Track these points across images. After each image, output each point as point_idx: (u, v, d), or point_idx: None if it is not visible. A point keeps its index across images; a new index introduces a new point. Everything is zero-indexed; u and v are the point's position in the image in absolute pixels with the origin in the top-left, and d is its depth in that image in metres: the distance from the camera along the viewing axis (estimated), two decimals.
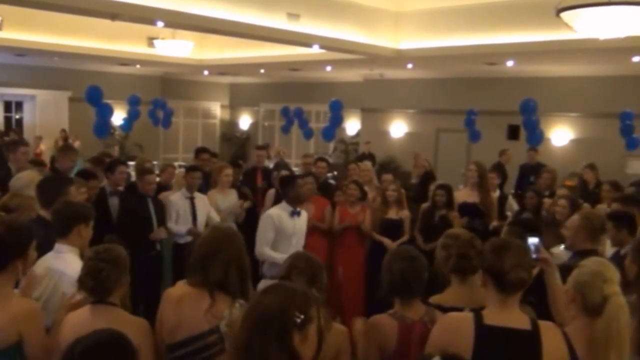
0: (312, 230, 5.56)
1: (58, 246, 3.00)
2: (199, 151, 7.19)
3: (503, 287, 2.11)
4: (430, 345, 2.18)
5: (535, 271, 2.51)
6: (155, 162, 11.33)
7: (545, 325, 2.14)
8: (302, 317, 1.57)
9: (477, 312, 2.15)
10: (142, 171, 5.46)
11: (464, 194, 5.87)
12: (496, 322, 2.09)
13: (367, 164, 7.21)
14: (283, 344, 1.53)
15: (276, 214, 4.67)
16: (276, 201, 5.82)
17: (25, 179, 4.17)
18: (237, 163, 7.23)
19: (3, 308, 2.36)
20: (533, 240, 2.69)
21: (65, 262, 2.86)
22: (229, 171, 6.08)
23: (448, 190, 5.70)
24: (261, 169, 7.29)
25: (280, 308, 1.56)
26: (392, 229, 5.65)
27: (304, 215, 4.85)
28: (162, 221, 5.29)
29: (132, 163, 9.03)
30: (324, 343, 2.14)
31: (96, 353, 1.75)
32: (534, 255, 2.61)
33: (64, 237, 3.00)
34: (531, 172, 8.08)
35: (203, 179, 6.11)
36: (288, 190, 4.81)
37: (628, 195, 4.46)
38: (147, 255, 4.99)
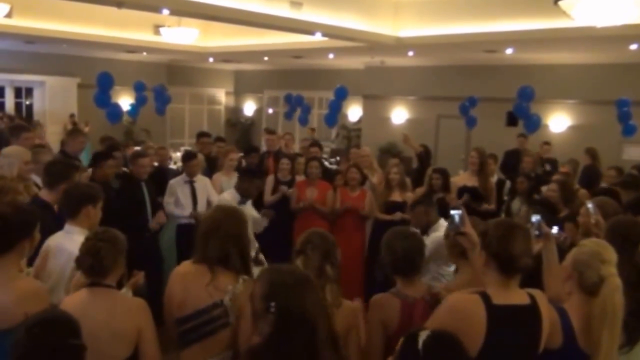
0: (313, 213, 5.82)
1: (67, 227, 3.06)
2: (200, 135, 7.27)
3: (508, 272, 2.15)
4: (435, 325, 2.12)
5: (538, 247, 2.61)
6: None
7: (537, 295, 2.22)
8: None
9: (483, 293, 2.16)
10: (135, 155, 5.38)
11: (464, 179, 6.03)
12: (502, 301, 2.12)
13: (366, 148, 7.27)
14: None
15: (228, 200, 4.86)
16: (275, 188, 6.06)
17: (13, 154, 4.11)
18: (254, 148, 7.15)
19: (10, 288, 2.37)
20: (536, 217, 2.68)
21: (74, 243, 2.86)
22: (234, 155, 6.15)
23: (444, 174, 5.80)
24: (273, 153, 7.22)
25: None
26: (396, 211, 5.67)
27: (248, 204, 5.04)
28: (155, 204, 5.26)
29: (138, 148, 9.26)
30: (334, 320, 2.24)
31: (39, 331, 1.77)
32: (536, 232, 2.63)
33: (73, 218, 3.05)
34: (514, 157, 8.22)
35: (207, 163, 6.26)
36: (241, 181, 5.00)
37: (628, 181, 4.43)
38: (140, 239, 4.80)
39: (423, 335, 1.87)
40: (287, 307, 1.64)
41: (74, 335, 1.80)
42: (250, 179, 4.97)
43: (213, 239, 2.49)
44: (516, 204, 6.11)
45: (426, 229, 4.12)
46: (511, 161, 8.29)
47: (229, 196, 4.95)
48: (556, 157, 8.99)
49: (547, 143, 9.31)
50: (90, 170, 5.24)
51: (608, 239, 2.65)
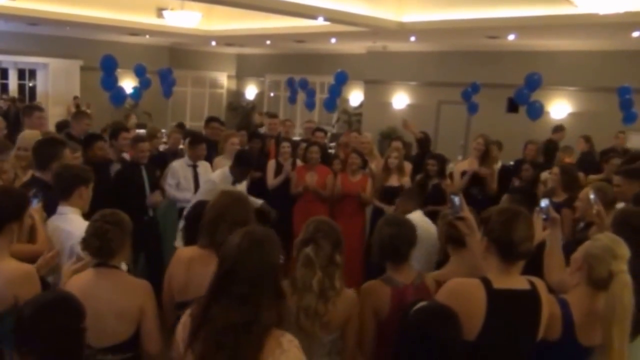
0: (313, 197, 5.78)
1: (61, 208, 3.06)
2: (210, 120, 7.10)
3: (510, 258, 2.17)
4: None
5: (545, 233, 2.64)
6: (163, 130, 11.64)
7: (537, 282, 2.24)
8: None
9: (484, 278, 2.17)
10: (136, 139, 5.35)
11: (466, 164, 6.07)
12: (503, 285, 2.15)
13: (367, 135, 7.25)
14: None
15: (218, 180, 4.88)
16: (277, 172, 5.99)
17: (30, 138, 4.08)
18: (257, 134, 6.99)
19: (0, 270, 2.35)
20: (545, 202, 2.69)
21: (70, 223, 2.92)
22: (235, 140, 6.02)
23: (440, 160, 5.83)
24: (275, 137, 7.07)
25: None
26: (393, 195, 5.54)
27: (243, 185, 5.04)
28: (154, 188, 5.24)
29: (141, 130, 9.33)
30: (335, 307, 2.32)
31: (44, 313, 1.78)
32: (543, 216, 2.64)
33: (66, 199, 3.05)
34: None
35: (208, 148, 6.21)
36: (235, 164, 4.95)
37: (631, 170, 4.34)
38: (140, 222, 4.72)
39: (416, 306, 1.96)
40: (234, 267, 1.76)
41: (80, 318, 1.84)
42: (244, 166, 4.96)
43: (221, 224, 2.48)
44: None
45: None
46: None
47: (218, 178, 4.94)
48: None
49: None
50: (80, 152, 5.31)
51: (616, 229, 2.65)
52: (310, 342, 2.32)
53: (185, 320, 1.87)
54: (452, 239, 2.83)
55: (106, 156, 5.19)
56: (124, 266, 2.73)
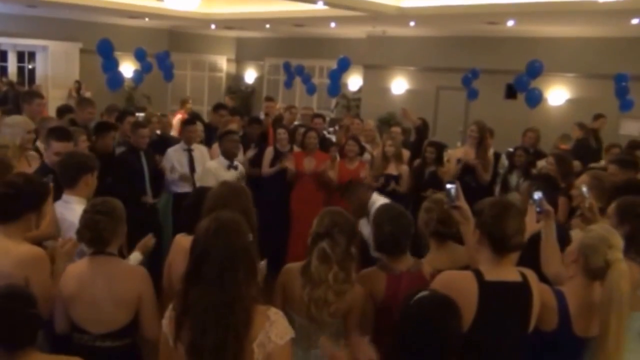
0: (310, 184, 5.75)
1: (66, 196, 3.09)
2: (217, 107, 7.07)
3: (502, 250, 2.19)
4: None
5: (539, 225, 2.67)
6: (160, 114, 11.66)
7: (529, 274, 2.26)
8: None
9: (476, 270, 2.21)
10: (136, 125, 5.37)
11: (461, 152, 6.08)
12: (494, 277, 2.17)
13: (370, 122, 7.27)
14: None
15: (214, 167, 4.93)
16: (275, 158, 5.96)
17: (17, 124, 4.08)
18: (256, 119, 6.98)
19: (11, 253, 2.44)
20: (538, 194, 2.69)
21: (74, 213, 2.90)
22: (234, 126, 6.10)
23: (438, 147, 5.88)
24: (272, 122, 7.02)
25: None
26: (390, 184, 5.63)
27: (241, 168, 5.07)
28: (154, 173, 5.27)
29: (141, 114, 9.35)
30: (343, 299, 2.39)
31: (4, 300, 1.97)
32: (538, 209, 2.66)
33: (72, 188, 3.09)
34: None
35: (209, 134, 6.15)
36: (220, 145, 5.03)
37: (625, 159, 4.35)
38: (140, 208, 4.91)
39: (418, 294, 1.98)
40: (205, 250, 1.84)
41: (30, 305, 2.00)
42: (222, 140, 4.98)
43: None
44: (514, 178, 6.22)
45: (365, 210, 4.15)
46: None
47: (214, 164, 4.99)
48: (554, 131, 9.05)
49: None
50: (93, 138, 5.33)
51: (620, 218, 2.65)
52: (317, 327, 2.42)
53: (169, 314, 1.92)
54: (438, 234, 2.86)
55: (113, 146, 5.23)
56: (139, 256, 2.79)
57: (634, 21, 8.87)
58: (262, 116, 7.35)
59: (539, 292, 2.24)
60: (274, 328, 1.81)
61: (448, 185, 2.61)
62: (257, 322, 1.80)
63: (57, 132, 3.75)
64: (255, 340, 1.78)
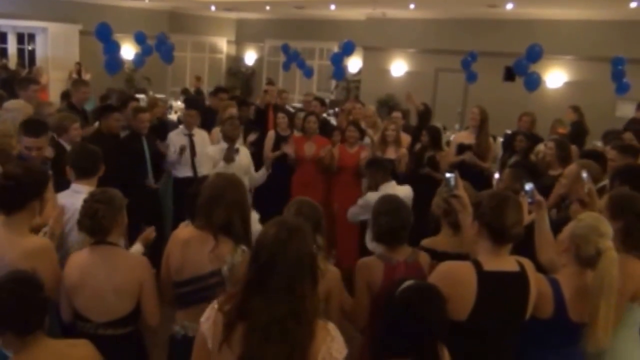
0: (310, 168, 5.77)
1: (75, 186, 3.11)
2: (218, 90, 7.05)
3: (500, 241, 2.24)
4: None
5: (531, 217, 2.72)
6: (163, 96, 11.73)
7: (526, 263, 2.33)
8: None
9: (475, 260, 2.26)
10: (136, 110, 5.39)
11: (462, 137, 6.18)
12: (493, 267, 2.23)
13: (371, 107, 7.27)
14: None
15: (216, 151, 4.94)
16: (276, 142, 5.99)
17: (16, 108, 4.12)
18: (245, 101, 6.89)
19: (18, 244, 2.47)
20: (530, 185, 2.73)
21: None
22: (233, 110, 6.08)
23: (435, 132, 5.95)
24: (272, 106, 7.04)
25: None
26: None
27: (244, 151, 5.09)
28: (155, 158, 5.30)
29: (141, 96, 9.40)
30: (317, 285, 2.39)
31: (4, 287, 1.98)
32: (529, 200, 2.70)
33: (89, 178, 3.11)
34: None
35: (209, 118, 6.15)
36: (222, 129, 5.07)
37: (625, 145, 4.35)
38: (140, 192, 4.91)
39: (403, 284, 2.06)
40: (273, 258, 1.75)
41: (38, 289, 2.03)
42: (223, 124, 5.00)
43: (218, 206, 2.48)
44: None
45: (377, 187, 4.29)
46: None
47: (213, 151, 5.04)
48: (552, 113, 9.11)
49: None
50: (96, 123, 5.41)
51: (615, 214, 2.62)
52: None
53: (212, 316, 1.84)
54: (448, 214, 2.92)
55: (119, 128, 5.29)
56: (140, 248, 2.80)
57: (633, 4, 8.86)
58: (257, 101, 7.25)
59: (535, 281, 2.31)
60: (334, 343, 1.77)
61: (447, 175, 2.67)
62: (319, 336, 1.75)
63: (27, 126, 3.58)
64: (318, 354, 1.73)
